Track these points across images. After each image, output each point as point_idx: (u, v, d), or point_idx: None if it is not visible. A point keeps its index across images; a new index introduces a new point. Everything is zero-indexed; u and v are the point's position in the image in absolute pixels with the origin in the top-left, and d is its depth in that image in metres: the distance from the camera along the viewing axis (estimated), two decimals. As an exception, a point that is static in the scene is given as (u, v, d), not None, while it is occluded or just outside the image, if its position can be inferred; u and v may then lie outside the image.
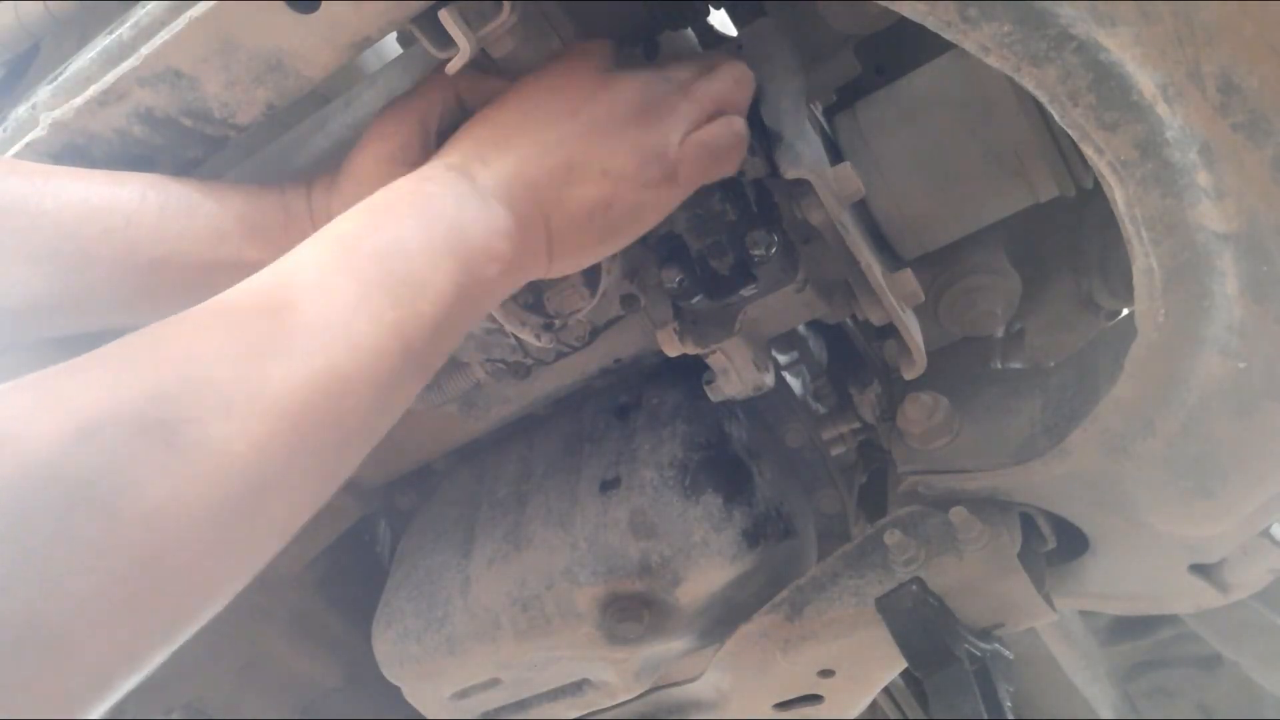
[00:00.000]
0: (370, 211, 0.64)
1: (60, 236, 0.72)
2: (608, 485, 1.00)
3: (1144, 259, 0.67)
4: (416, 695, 1.12)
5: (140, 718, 1.23)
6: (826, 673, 1.03)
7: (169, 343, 0.50)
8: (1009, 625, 0.95)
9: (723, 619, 1.03)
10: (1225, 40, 0.55)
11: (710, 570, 0.96)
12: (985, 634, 0.96)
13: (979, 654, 0.94)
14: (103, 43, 0.73)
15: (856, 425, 1.05)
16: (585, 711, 1.13)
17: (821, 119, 0.89)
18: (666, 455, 0.99)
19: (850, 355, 1.09)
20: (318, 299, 0.56)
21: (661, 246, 0.88)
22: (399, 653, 1.08)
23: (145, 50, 0.70)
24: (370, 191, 0.67)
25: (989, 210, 0.88)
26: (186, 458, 0.45)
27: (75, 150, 0.76)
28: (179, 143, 0.76)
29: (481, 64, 0.77)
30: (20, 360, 0.89)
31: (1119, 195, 0.64)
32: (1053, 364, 0.92)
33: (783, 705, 1.08)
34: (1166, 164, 0.61)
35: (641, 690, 1.09)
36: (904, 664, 0.96)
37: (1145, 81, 0.58)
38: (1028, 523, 0.92)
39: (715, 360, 0.88)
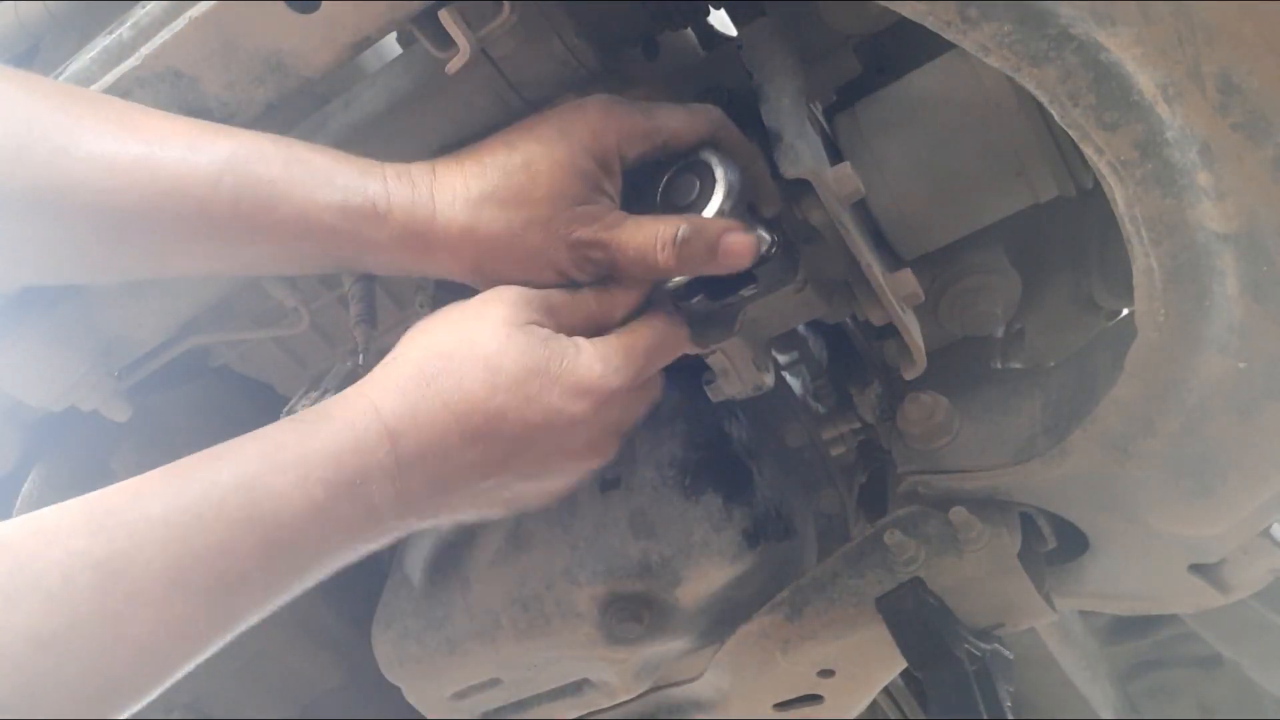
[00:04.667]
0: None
1: (127, 216, 0.67)
2: (608, 485, 1.00)
3: (1144, 259, 0.66)
4: (416, 695, 1.12)
5: (140, 718, 1.23)
6: (826, 673, 1.03)
7: None
8: (1009, 625, 0.95)
9: (723, 619, 1.03)
10: (1225, 40, 0.55)
11: (710, 570, 0.96)
12: (985, 634, 0.96)
13: (979, 654, 0.94)
14: (103, 43, 0.73)
15: (856, 425, 1.05)
16: (585, 711, 1.13)
17: (821, 119, 0.89)
18: (666, 455, 0.98)
19: (850, 355, 1.09)
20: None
21: (661, 246, 0.88)
22: (399, 653, 1.08)
23: (145, 50, 0.70)
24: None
25: (989, 210, 0.88)
26: None
27: (75, 150, 0.76)
28: (179, 143, 0.76)
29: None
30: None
31: (1119, 195, 0.64)
32: (1053, 364, 0.92)
33: (783, 705, 1.08)
34: (1166, 164, 0.61)
35: (641, 690, 1.09)
36: (904, 664, 0.96)
37: (1145, 81, 0.58)
38: (1028, 523, 0.92)
39: (715, 360, 0.88)
